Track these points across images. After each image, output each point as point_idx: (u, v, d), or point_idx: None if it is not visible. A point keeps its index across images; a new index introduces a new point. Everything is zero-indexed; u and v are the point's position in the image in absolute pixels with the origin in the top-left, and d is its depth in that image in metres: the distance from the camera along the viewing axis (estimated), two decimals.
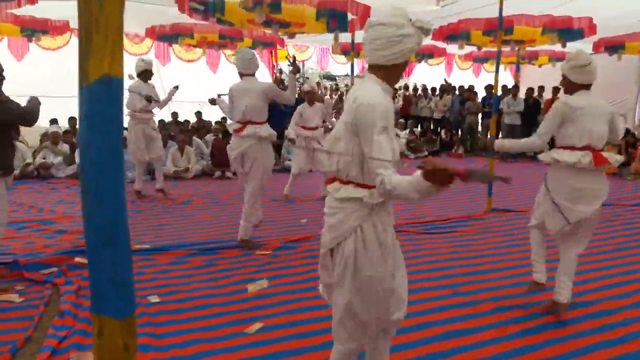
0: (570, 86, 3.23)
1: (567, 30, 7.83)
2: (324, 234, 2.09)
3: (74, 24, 9.39)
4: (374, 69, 2.00)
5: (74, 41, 10.60)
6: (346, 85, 16.79)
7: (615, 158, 3.20)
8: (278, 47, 11.84)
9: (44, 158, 8.26)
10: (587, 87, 3.20)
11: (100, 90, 1.04)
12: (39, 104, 3.74)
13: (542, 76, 13.29)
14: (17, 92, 7.77)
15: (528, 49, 10.77)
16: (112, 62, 1.04)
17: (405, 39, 1.91)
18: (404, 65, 2.02)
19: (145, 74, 6.67)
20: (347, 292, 2.02)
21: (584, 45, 10.16)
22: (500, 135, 11.56)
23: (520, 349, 2.94)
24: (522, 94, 12.19)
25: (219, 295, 3.66)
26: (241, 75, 4.65)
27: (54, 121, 9.46)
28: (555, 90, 11.45)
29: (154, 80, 7.01)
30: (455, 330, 3.16)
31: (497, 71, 6.27)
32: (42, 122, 9.45)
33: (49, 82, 11.00)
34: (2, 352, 2.77)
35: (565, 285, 3.28)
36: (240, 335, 3.08)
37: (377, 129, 1.84)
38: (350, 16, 6.97)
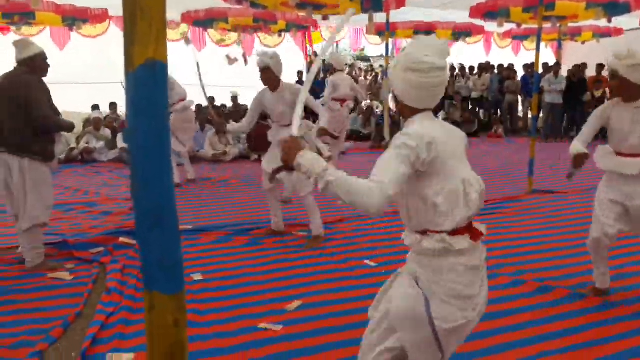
0: (630, 88, 2.92)
1: (612, 4, 7.51)
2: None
3: (113, 11, 9.59)
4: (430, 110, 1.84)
5: (113, 29, 10.86)
6: (381, 66, 16.58)
7: None
8: (312, 29, 11.78)
9: (87, 143, 8.54)
10: None
11: (145, 74, 1.05)
12: (67, 128, 3.91)
13: (585, 53, 12.81)
14: (60, 80, 8.06)
15: (570, 24, 10.37)
16: (156, 49, 1.06)
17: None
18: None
19: None
20: None
21: (630, 20, 9.74)
22: (541, 115, 11.26)
23: (560, 332, 2.90)
24: (564, 71, 11.78)
25: (260, 274, 3.74)
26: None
27: (95, 107, 9.74)
28: (599, 67, 11.02)
29: (190, 65, 7.12)
30: (495, 312, 3.13)
31: (537, 48, 6.09)
32: (85, 109, 9.79)
33: (90, 69, 11.32)
34: (55, 327, 2.91)
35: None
36: (280, 312, 3.15)
37: None
38: None
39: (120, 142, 8.29)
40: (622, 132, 3.04)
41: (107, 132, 8.76)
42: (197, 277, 3.66)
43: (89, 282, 3.55)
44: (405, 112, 1.83)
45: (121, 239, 4.36)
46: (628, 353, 2.70)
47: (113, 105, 10.10)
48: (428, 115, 1.80)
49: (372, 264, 3.93)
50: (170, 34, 11.97)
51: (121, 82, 7.49)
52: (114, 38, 10.42)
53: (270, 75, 4.20)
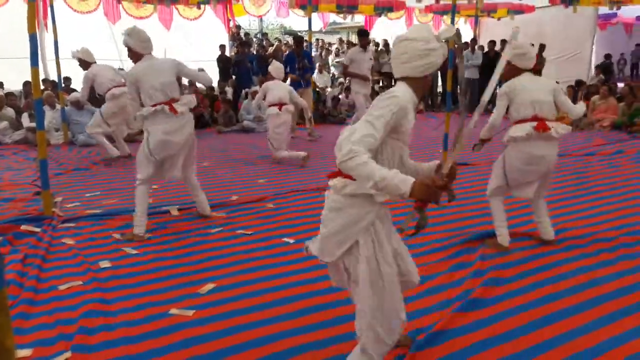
0: (515, 70, 3.55)
1: None
2: (324, 241, 2.00)
3: None
4: (403, 81, 2.08)
5: None
6: (306, 41, 16.38)
7: (560, 128, 3.50)
8: (233, 1, 11.45)
9: None
10: (528, 71, 3.58)
11: None
12: None
13: (503, 29, 13.29)
14: None
15: (486, 1, 10.72)
16: None
17: (432, 53, 2.00)
18: (430, 78, 2.11)
19: (81, 63, 6.45)
20: (370, 296, 1.93)
21: None
22: (458, 90, 11.60)
23: (491, 299, 3.01)
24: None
25: (171, 258, 3.62)
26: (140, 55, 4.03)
27: None
28: (503, 42, 11.44)
29: (106, 39, 6.85)
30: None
31: (452, 24, 6.23)
32: None
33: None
34: None
35: (548, 224, 3.80)
36: (193, 296, 3.07)
37: (381, 115, 1.90)
38: None
39: (26, 122, 7.72)
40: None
41: (10, 111, 8.10)
42: (105, 264, 3.49)
43: None
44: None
45: (23, 227, 4.08)
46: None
47: (27, 85, 9.27)
48: (399, 83, 2.07)
49: (291, 241, 3.91)
50: (81, 5, 11.24)
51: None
52: (20, 9, 9.60)
53: (131, 54, 4.07)
